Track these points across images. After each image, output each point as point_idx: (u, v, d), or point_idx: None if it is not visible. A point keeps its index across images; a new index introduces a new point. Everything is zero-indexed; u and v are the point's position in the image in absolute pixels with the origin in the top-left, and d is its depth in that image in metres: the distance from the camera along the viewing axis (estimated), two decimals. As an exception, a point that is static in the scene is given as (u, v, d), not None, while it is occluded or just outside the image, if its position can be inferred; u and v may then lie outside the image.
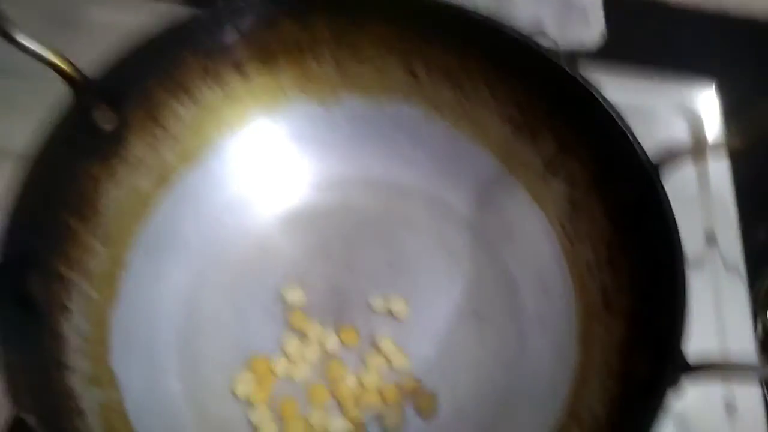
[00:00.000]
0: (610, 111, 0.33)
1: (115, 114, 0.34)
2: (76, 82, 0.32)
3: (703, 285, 0.43)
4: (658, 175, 0.31)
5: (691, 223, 0.46)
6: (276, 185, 0.43)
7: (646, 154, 0.32)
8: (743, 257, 0.45)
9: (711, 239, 0.46)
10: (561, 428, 0.32)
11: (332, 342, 0.38)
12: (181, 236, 0.40)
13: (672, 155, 0.32)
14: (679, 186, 0.32)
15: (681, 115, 0.52)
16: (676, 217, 0.30)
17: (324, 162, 0.43)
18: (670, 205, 0.30)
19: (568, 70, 0.34)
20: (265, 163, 0.42)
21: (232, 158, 0.42)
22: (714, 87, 0.53)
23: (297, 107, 0.42)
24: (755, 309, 0.43)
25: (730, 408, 0.40)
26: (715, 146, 0.31)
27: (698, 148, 0.32)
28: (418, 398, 0.37)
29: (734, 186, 0.49)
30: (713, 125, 0.52)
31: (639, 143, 0.32)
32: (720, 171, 0.50)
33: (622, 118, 0.33)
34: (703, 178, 0.49)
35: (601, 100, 0.33)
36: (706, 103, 0.53)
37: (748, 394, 0.40)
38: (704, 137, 0.45)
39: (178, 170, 0.40)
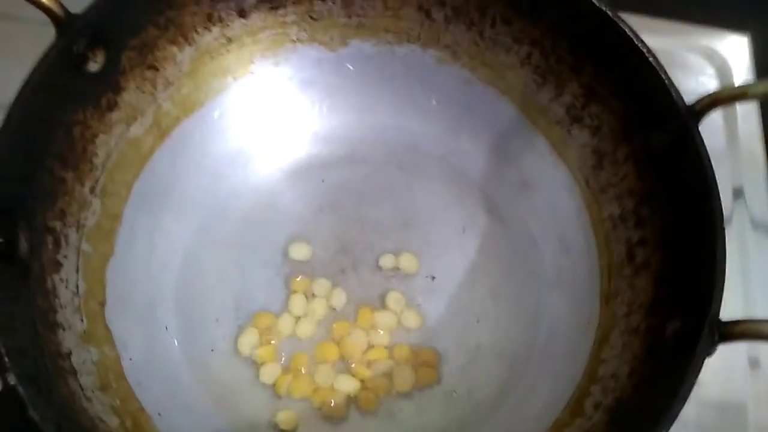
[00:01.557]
0: (645, 52, 0.30)
1: (103, 55, 0.32)
2: (59, 18, 0.29)
3: (729, 243, 0.41)
4: (695, 121, 0.28)
5: (718, 178, 0.43)
6: (280, 137, 0.40)
7: (682, 98, 0.29)
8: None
9: (738, 195, 0.44)
10: (581, 390, 0.31)
11: (340, 300, 0.36)
12: (180, 189, 0.38)
13: (708, 102, 0.29)
14: (707, 139, 0.29)
15: (711, 66, 0.50)
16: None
17: (331, 111, 0.41)
18: (707, 153, 0.28)
19: (599, 6, 0.31)
20: (268, 113, 0.40)
21: (234, 107, 0.39)
22: (747, 39, 0.50)
23: (302, 51, 0.39)
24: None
25: (754, 363, 0.38)
26: (754, 91, 0.28)
27: (736, 94, 0.29)
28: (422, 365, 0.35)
29: (764, 140, 0.46)
30: (743, 77, 0.49)
31: (675, 87, 0.29)
32: (750, 125, 0.47)
33: (657, 60, 0.30)
34: (731, 132, 0.47)
35: (634, 38, 0.30)
36: (738, 55, 0.50)
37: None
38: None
39: (176, 119, 0.38)
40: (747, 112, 0.48)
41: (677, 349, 0.26)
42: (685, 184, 0.29)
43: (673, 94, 0.29)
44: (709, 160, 0.27)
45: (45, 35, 0.29)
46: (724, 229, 0.26)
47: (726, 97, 0.28)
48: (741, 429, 0.37)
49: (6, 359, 0.24)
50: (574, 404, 0.30)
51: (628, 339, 0.30)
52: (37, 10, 0.29)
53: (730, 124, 0.47)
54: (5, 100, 0.30)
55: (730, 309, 0.37)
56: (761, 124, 0.47)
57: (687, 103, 0.29)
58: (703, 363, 0.24)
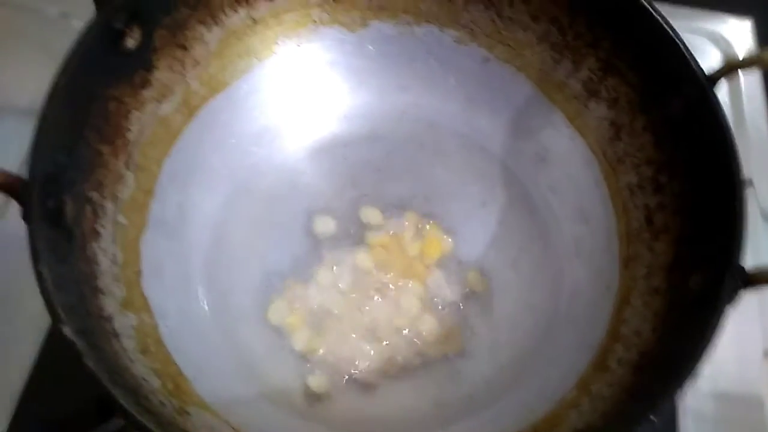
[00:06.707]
0: (662, 22, 0.31)
1: (139, 31, 0.33)
2: (99, -6, 0.31)
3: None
4: (712, 86, 0.29)
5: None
6: (304, 115, 0.42)
7: (699, 65, 0.30)
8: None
9: (747, 184, 0.44)
10: (604, 348, 0.32)
11: (366, 269, 0.37)
12: (207, 166, 0.39)
13: (723, 68, 0.30)
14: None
15: (716, 48, 0.51)
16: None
17: (352, 90, 0.42)
18: (725, 116, 0.29)
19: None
20: (292, 93, 0.41)
21: (259, 87, 0.40)
22: (750, 23, 0.51)
23: (324, 32, 0.40)
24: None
25: None
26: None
27: (752, 60, 0.31)
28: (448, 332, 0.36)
29: None
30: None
31: (692, 55, 0.31)
32: (757, 114, 0.48)
33: (674, 30, 0.31)
34: (739, 122, 0.47)
35: (651, 10, 0.31)
36: (742, 39, 0.52)
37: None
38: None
39: (204, 98, 0.39)
40: (754, 101, 0.49)
41: (701, 299, 0.27)
42: (705, 146, 0.30)
43: (690, 61, 0.30)
44: (728, 121, 0.28)
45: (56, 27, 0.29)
46: (743, 181, 0.27)
47: (740, 63, 0.29)
48: (758, 421, 0.38)
49: (61, 312, 0.24)
50: (597, 361, 0.31)
51: (649, 298, 0.31)
52: (54, 1, 0.30)
53: (738, 114, 0.48)
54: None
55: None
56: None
57: (703, 70, 0.30)
58: (727, 309, 0.25)
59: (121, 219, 0.34)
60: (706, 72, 0.30)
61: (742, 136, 0.47)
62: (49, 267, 0.26)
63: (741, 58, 0.29)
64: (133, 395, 0.27)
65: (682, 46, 0.30)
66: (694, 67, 0.30)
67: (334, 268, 0.38)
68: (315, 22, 0.40)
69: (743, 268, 0.26)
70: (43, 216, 0.27)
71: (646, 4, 0.32)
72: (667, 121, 0.33)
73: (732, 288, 0.25)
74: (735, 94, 0.48)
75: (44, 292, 0.25)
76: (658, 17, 0.32)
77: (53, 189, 0.29)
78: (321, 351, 0.36)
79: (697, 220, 0.30)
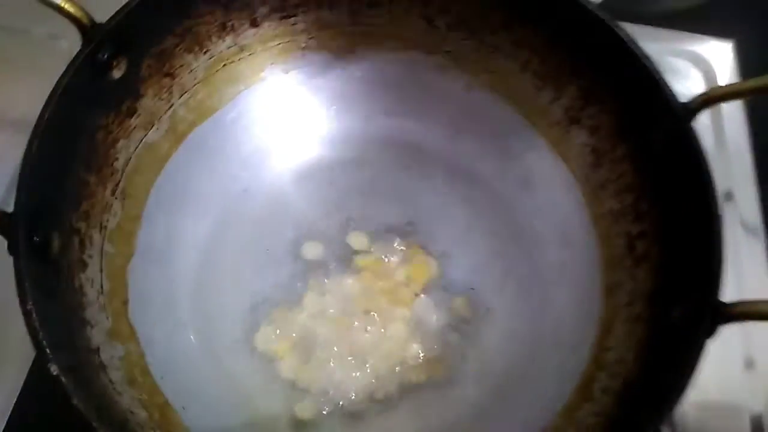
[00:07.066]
0: (641, 56, 0.32)
1: (125, 62, 0.33)
2: (84, 26, 0.31)
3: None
4: (690, 118, 0.30)
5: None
6: (290, 140, 0.42)
7: (677, 98, 0.31)
8: (762, 216, 0.44)
9: (728, 197, 0.45)
10: (588, 376, 0.32)
11: (354, 295, 0.38)
12: (194, 192, 0.39)
13: (701, 100, 0.31)
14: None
15: (697, 70, 0.52)
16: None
17: (339, 115, 0.42)
18: (702, 147, 0.29)
19: (598, 14, 0.33)
20: (279, 118, 0.42)
21: (246, 112, 0.41)
22: (731, 45, 0.52)
23: (311, 58, 0.41)
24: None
25: (749, 362, 0.40)
26: (744, 88, 0.30)
27: (728, 92, 0.31)
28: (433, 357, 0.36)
29: (751, 143, 0.47)
30: (728, 81, 0.51)
31: (670, 88, 0.31)
32: (736, 127, 0.49)
33: (653, 64, 0.32)
34: (719, 135, 0.48)
35: (630, 44, 0.32)
36: (722, 60, 0.52)
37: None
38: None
39: (191, 124, 0.39)
40: (733, 114, 0.50)
41: (681, 332, 0.27)
42: (683, 177, 0.31)
43: (668, 94, 0.31)
44: (705, 154, 0.29)
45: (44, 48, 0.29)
46: (721, 216, 0.28)
47: (718, 96, 0.30)
48: (739, 430, 0.38)
49: (48, 351, 0.25)
50: (581, 390, 0.32)
51: (631, 327, 0.32)
52: (42, 23, 0.30)
53: (717, 128, 0.49)
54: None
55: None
56: (747, 127, 0.49)
57: (681, 102, 0.31)
58: (706, 344, 0.25)
59: (108, 248, 0.34)
60: (686, 99, 0.31)
61: (722, 147, 0.47)
62: (36, 304, 0.26)
63: (720, 89, 0.30)
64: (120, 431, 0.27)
65: (660, 80, 0.31)
66: (672, 100, 0.31)
67: (322, 293, 0.38)
68: (302, 48, 0.41)
69: (721, 302, 0.26)
70: (29, 250, 0.27)
71: (625, 38, 0.32)
72: (647, 150, 0.34)
73: (711, 323, 0.26)
74: (716, 117, 0.49)
75: (31, 330, 0.25)
76: (637, 51, 0.32)
77: (40, 222, 0.29)
78: (308, 378, 0.36)
79: (676, 249, 0.31)
